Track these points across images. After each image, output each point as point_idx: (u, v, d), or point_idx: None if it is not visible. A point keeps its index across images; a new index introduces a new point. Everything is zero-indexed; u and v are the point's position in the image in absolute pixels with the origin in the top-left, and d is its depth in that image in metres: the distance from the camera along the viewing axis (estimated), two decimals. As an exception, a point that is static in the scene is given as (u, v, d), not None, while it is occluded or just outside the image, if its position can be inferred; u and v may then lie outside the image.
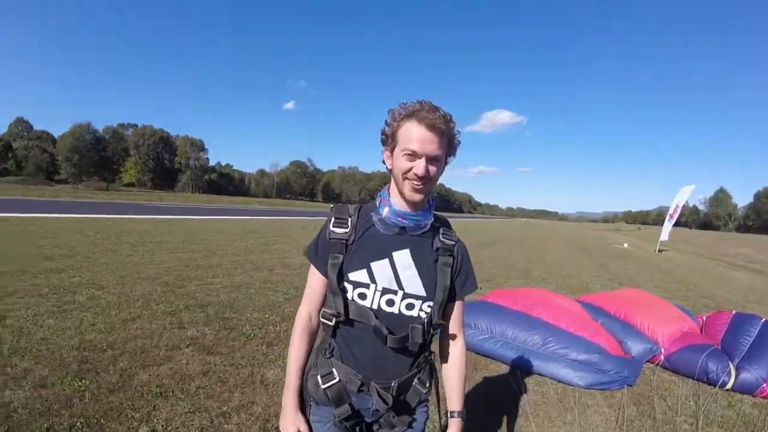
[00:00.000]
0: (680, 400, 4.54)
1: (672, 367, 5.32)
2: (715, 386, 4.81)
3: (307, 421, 1.70)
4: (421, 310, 1.65)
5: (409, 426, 1.77)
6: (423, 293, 1.64)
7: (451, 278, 1.70)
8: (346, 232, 1.63)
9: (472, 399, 4.35)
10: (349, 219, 1.66)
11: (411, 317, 1.64)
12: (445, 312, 1.73)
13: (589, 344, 5.04)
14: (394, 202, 1.64)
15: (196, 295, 7.44)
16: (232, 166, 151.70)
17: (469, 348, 5.52)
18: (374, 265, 1.61)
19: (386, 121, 1.60)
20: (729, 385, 4.81)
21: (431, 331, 1.68)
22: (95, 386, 3.98)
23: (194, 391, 4.06)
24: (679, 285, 13.37)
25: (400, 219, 1.62)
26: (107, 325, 5.56)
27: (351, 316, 1.62)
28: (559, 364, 4.88)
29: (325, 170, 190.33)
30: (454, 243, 1.71)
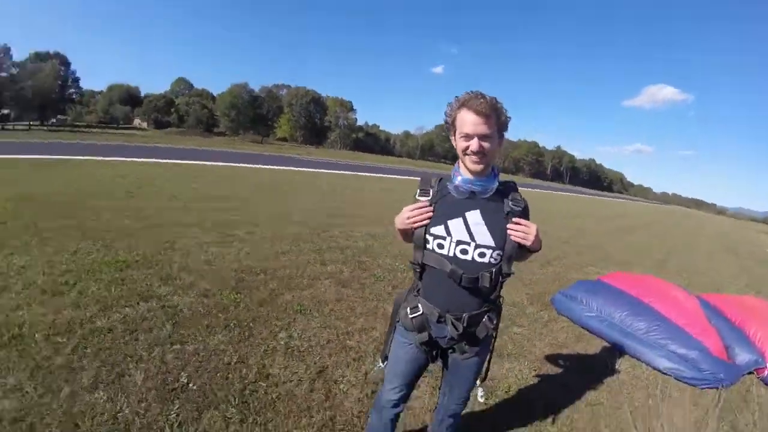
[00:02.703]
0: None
1: (777, 383, 4.92)
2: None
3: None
4: (492, 258, 2.08)
5: (476, 355, 2.32)
6: (492, 243, 2.07)
7: None
8: (428, 199, 2.12)
9: (567, 366, 4.66)
10: (431, 189, 2.16)
11: (483, 264, 2.08)
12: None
13: (692, 340, 4.94)
14: (464, 173, 2.12)
15: (337, 239, 8.42)
16: (378, 126, 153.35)
17: (577, 322, 5.78)
18: (450, 222, 2.08)
19: (446, 112, 2.10)
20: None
21: (500, 278, 2.14)
22: (248, 299, 4.95)
23: (327, 313, 4.91)
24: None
25: (469, 186, 2.09)
26: (261, 256, 6.61)
27: (430, 264, 2.13)
28: (657, 352, 4.89)
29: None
30: (519, 208, 2.13)
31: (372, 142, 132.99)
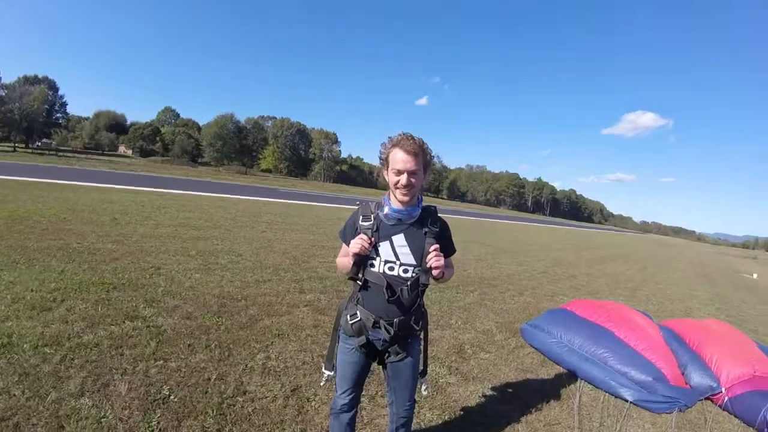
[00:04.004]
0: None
1: (734, 410, 4.98)
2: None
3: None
4: (413, 273, 2.52)
5: (409, 355, 2.67)
6: (414, 262, 2.51)
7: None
8: (370, 224, 2.53)
9: (529, 389, 4.88)
10: (372, 215, 2.56)
11: (406, 278, 2.51)
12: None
13: (649, 366, 5.11)
14: (392, 203, 2.55)
15: (317, 269, 8.70)
16: (362, 158, 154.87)
17: (539, 349, 6.03)
18: (380, 245, 2.51)
19: (380, 150, 2.54)
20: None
21: (418, 287, 2.54)
22: (229, 323, 5.22)
23: (304, 337, 5.16)
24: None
25: (396, 214, 2.52)
26: (243, 283, 6.89)
27: (370, 279, 2.52)
28: (613, 378, 5.06)
29: (452, 167, 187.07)
30: (437, 228, 2.57)
31: (356, 175, 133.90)
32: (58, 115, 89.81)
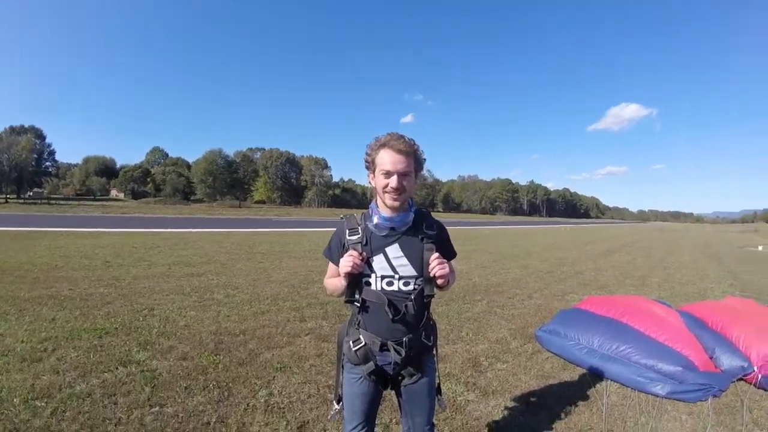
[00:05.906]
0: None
1: (769, 386, 4.90)
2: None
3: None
4: (415, 285, 2.24)
5: (424, 375, 2.38)
6: (414, 273, 2.23)
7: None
8: (359, 237, 2.25)
9: (555, 396, 4.60)
10: (359, 227, 2.29)
11: (407, 291, 2.23)
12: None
13: (676, 356, 4.91)
14: (381, 211, 2.25)
15: (317, 295, 8.39)
16: (354, 181, 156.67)
17: (559, 354, 5.72)
18: (373, 259, 2.22)
19: (366, 152, 2.25)
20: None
21: (424, 300, 2.27)
22: (227, 360, 4.93)
23: (308, 368, 4.85)
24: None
25: (388, 223, 2.23)
26: (240, 317, 6.62)
27: (369, 299, 2.25)
28: (640, 373, 4.85)
29: (444, 180, 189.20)
30: (434, 232, 2.31)
31: (349, 197, 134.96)
32: (48, 163, 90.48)
